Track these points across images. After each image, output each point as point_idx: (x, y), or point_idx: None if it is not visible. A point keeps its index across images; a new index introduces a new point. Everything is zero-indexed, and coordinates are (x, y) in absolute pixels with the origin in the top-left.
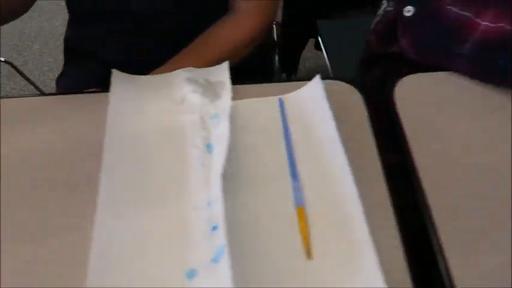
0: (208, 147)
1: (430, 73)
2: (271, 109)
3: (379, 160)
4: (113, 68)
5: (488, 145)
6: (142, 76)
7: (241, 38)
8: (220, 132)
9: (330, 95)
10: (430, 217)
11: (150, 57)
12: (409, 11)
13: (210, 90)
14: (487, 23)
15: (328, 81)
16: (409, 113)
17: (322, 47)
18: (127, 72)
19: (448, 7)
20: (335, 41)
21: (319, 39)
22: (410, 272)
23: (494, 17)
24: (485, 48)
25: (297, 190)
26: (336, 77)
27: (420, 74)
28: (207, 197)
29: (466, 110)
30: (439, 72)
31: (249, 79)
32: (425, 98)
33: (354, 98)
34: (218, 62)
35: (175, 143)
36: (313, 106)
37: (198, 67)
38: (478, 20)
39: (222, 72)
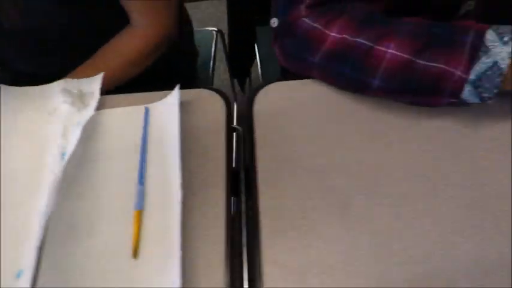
0: (63, 155)
1: (293, 81)
2: (136, 117)
3: (225, 166)
4: (22, 78)
5: (332, 149)
6: (23, 87)
7: (138, 49)
8: (73, 140)
9: (198, 103)
10: (257, 223)
11: (55, 69)
12: (274, 22)
13: (80, 101)
14: (334, 34)
15: (198, 89)
16: (264, 119)
17: (257, 53)
18: (36, 83)
19: (303, 19)
20: (270, 48)
21: (255, 45)
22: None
23: (340, 28)
24: (333, 58)
25: (139, 194)
26: (207, 86)
27: (283, 82)
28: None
29: (319, 115)
30: (304, 80)
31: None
32: (284, 104)
33: (217, 106)
34: (116, 73)
35: (37, 150)
36: (169, 116)
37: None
38: (327, 31)
39: (94, 83)
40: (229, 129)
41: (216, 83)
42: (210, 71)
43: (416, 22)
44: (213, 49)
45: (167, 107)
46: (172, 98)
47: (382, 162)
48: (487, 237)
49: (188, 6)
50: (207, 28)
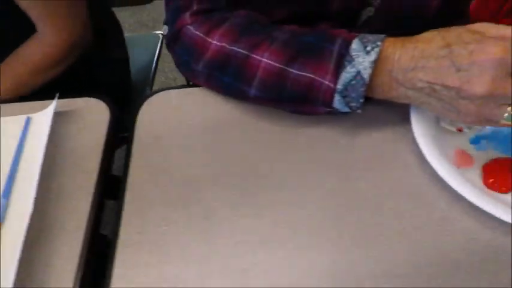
0: None
1: (182, 89)
2: (14, 128)
3: (96, 178)
4: None
5: (206, 159)
6: None
7: (43, 57)
8: None
9: (83, 112)
10: (116, 232)
11: None
12: (165, 29)
13: None
14: (215, 42)
15: (85, 98)
16: (146, 128)
17: None
18: None
19: (188, 26)
20: None
21: None
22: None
23: (220, 36)
24: (214, 66)
25: (2, 207)
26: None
27: (173, 90)
28: None
29: (201, 124)
30: (192, 88)
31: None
32: (168, 113)
33: (103, 114)
34: (22, 80)
35: None
36: (41, 126)
37: (4, 86)
38: (209, 39)
39: None
40: (110, 138)
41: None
42: (151, 74)
43: (293, 30)
44: (156, 52)
45: (45, 118)
46: (49, 108)
47: (258, 172)
48: (343, 249)
49: (135, 9)
50: (154, 32)
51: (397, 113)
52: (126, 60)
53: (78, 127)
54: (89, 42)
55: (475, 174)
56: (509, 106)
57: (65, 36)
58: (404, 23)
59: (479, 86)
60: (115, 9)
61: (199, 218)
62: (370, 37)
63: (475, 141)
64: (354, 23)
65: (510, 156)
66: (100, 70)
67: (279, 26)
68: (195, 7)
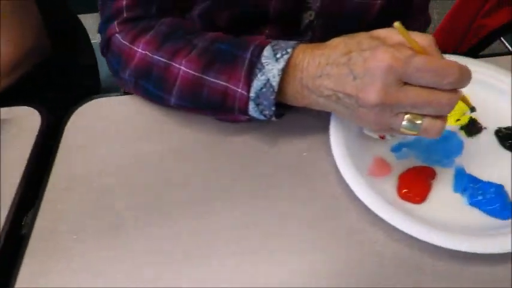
0: None
1: (114, 97)
2: None
3: (16, 188)
4: None
5: (124, 169)
6: None
7: None
8: None
9: (17, 121)
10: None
11: None
12: (99, 38)
13: None
14: (140, 50)
15: (21, 107)
16: (72, 135)
17: None
18: None
19: (116, 35)
20: None
21: None
22: None
23: (144, 45)
24: (139, 75)
25: None
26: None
27: (105, 98)
28: None
29: (127, 133)
30: (124, 96)
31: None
32: (97, 121)
33: (35, 122)
34: None
35: None
36: None
37: None
38: (134, 48)
39: None
40: (37, 146)
41: None
42: None
43: (214, 37)
44: None
45: None
46: None
47: (172, 181)
48: (254, 258)
49: None
50: None
51: (321, 120)
52: (94, 65)
53: (10, 136)
54: (47, 50)
55: (391, 183)
56: (405, 114)
57: (13, 48)
58: (347, 27)
59: (371, 94)
60: (82, 16)
61: (111, 227)
62: (283, 44)
63: (397, 149)
64: (297, 28)
65: (428, 165)
66: (68, 76)
67: (203, 33)
68: (125, 15)
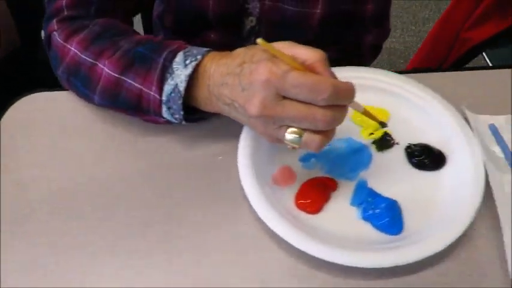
0: None
1: (55, 92)
2: None
3: None
4: None
5: (43, 164)
6: None
7: None
8: None
9: None
10: None
11: None
12: (43, 35)
13: None
14: (73, 49)
15: None
16: (8, 130)
17: None
18: None
19: (54, 32)
20: None
21: None
22: None
23: (76, 44)
24: (69, 72)
25: None
26: None
27: (46, 92)
28: None
29: (57, 129)
30: (62, 92)
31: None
32: (33, 115)
33: None
34: None
35: None
36: None
37: None
38: (68, 46)
39: None
40: None
41: None
42: None
43: (139, 39)
44: None
45: None
46: None
47: (99, 176)
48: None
49: None
50: None
51: (240, 125)
52: None
53: None
54: (14, 44)
55: (293, 193)
56: (288, 127)
57: None
58: (292, 36)
59: (252, 106)
60: None
61: (24, 218)
62: (195, 50)
63: (305, 159)
64: (240, 32)
65: (332, 177)
66: (33, 71)
67: (132, 35)
68: (65, 13)
